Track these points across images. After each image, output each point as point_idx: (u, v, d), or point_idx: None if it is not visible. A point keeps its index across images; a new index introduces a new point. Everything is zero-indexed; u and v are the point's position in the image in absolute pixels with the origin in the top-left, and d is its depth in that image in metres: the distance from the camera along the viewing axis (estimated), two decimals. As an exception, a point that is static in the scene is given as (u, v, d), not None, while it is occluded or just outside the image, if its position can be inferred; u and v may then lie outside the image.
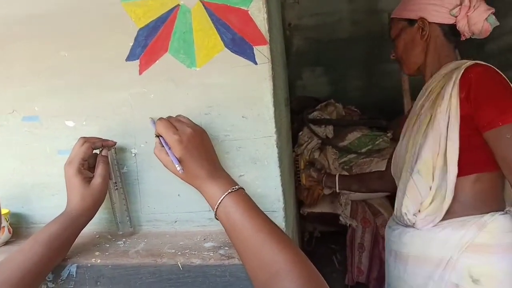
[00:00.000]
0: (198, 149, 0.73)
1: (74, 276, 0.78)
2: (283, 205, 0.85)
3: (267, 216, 0.70)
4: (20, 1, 0.85)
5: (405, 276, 1.20)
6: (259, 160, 0.83)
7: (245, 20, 0.80)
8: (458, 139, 1.08)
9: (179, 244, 0.82)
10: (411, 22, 1.27)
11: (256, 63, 0.80)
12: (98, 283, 0.78)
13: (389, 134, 2.43)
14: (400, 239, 1.22)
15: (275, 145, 0.82)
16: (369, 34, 2.89)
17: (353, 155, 2.44)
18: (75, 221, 0.78)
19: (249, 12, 0.79)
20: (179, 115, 0.80)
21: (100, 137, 0.86)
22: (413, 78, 2.34)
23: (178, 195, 0.87)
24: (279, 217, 0.85)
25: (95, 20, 0.84)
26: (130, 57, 0.84)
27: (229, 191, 0.70)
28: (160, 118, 0.76)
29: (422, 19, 1.24)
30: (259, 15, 0.79)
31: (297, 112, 2.60)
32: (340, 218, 2.34)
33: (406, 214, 1.17)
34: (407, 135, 1.25)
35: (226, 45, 0.81)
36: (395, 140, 2.52)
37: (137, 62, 0.84)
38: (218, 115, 0.83)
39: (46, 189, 0.91)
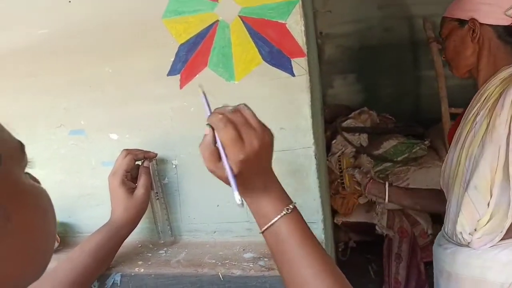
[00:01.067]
0: (259, 165, 0.62)
1: (118, 284, 0.80)
2: (322, 217, 0.85)
3: (319, 245, 0.65)
4: (66, 18, 0.89)
5: None
6: (298, 172, 0.84)
7: (282, 33, 0.81)
8: None
9: (219, 254, 0.83)
10: (462, 22, 1.16)
11: (294, 75, 0.81)
12: (142, 292, 0.80)
13: (426, 142, 2.37)
14: (455, 260, 1.10)
15: (314, 156, 0.83)
16: (401, 40, 2.84)
17: (389, 164, 2.40)
18: (119, 231, 0.81)
19: (286, 25, 0.81)
20: (242, 106, 0.63)
21: (142, 149, 0.88)
22: (451, 84, 2.29)
23: (217, 205, 0.88)
24: (318, 229, 0.85)
25: (137, 35, 0.87)
26: (171, 72, 0.87)
27: (284, 212, 0.62)
28: (215, 114, 0.59)
29: (473, 20, 1.13)
30: (296, 27, 0.80)
31: (329, 121, 2.58)
32: (376, 227, 2.30)
33: (461, 233, 1.06)
34: (459, 145, 1.12)
35: (264, 58, 0.83)
36: (433, 148, 2.47)
37: (178, 76, 0.87)
38: (257, 127, 0.84)
39: (91, 200, 0.95)
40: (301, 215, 0.67)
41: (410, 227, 2.32)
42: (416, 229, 2.31)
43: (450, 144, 1.28)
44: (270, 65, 0.82)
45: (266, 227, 0.63)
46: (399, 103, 2.93)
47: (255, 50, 0.83)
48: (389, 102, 2.98)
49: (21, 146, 0.42)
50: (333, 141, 2.46)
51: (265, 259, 0.79)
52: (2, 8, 0.90)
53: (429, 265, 2.34)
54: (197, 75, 0.86)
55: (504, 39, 1.12)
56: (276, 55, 0.82)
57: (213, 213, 0.89)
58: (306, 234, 0.64)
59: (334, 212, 2.45)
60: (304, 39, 0.81)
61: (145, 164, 0.87)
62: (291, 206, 0.64)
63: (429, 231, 2.34)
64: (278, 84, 0.82)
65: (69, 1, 0.88)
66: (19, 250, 0.41)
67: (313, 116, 0.84)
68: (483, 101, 1.10)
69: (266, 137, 0.62)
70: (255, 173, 0.62)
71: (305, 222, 0.66)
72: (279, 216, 0.62)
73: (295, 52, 0.81)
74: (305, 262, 0.62)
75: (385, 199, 1.50)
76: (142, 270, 0.80)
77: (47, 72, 0.93)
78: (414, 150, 2.36)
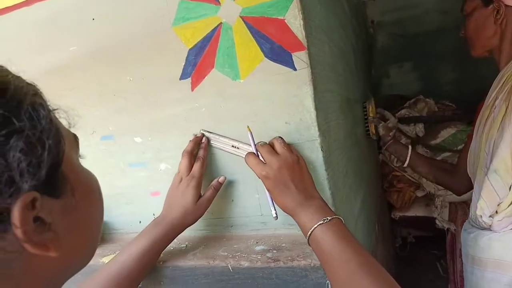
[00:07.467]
0: (285, 183, 0.74)
1: (142, 276, 0.87)
2: (333, 209, 0.84)
3: (361, 246, 0.67)
4: (91, 34, 0.98)
5: (483, 283, 1.09)
6: (304, 165, 0.84)
7: (282, 29, 0.83)
8: None
9: (233, 247, 0.86)
10: (487, 2, 1.18)
11: (295, 69, 0.82)
12: (162, 282, 0.86)
13: (488, 128, 2.20)
14: (477, 243, 1.12)
15: (320, 149, 0.83)
16: (460, 22, 2.66)
17: (447, 153, 2.26)
18: (169, 234, 0.81)
19: (285, 20, 0.82)
20: (277, 139, 0.80)
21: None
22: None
23: (232, 200, 0.91)
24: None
25: (152, 45, 0.93)
26: (183, 76, 0.92)
27: (320, 222, 0.68)
28: (249, 153, 0.79)
29: (499, 0, 1.13)
30: (295, 22, 0.81)
31: (383, 112, 2.50)
32: (437, 221, 2.19)
33: (481, 216, 1.08)
34: (480, 130, 1.14)
35: (266, 55, 0.84)
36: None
37: (189, 80, 0.91)
38: (263, 123, 0.86)
39: (121, 199, 1.03)
40: (343, 224, 0.70)
41: (475, 220, 2.17)
42: (481, 222, 2.16)
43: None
44: (272, 61, 0.84)
45: (307, 235, 0.69)
46: (460, 88, 2.75)
47: (257, 48, 0.85)
48: (450, 88, 2.81)
49: (75, 137, 0.52)
50: (387, 133, 2.38)
51: (274, 251, 0.81)
52: (35, 33, 1.02)
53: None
54: (206, 77, 0.90)
55: None
56: (277, 51, 0.83)
57: (229, 208, 0.93)
58: (343, 235, 0.68)
59: (391, 207, 2.37)
60: (304, 32, 0.81)
61: (200, 153, 0.89)
62: (328, 217, 0.69)
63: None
64: (280, 79, 0.83)
65: (93, 19, 0.97)
66: (81, 223, 0.48)
67: (319, 108, 0.84)
68: (502, 84, 1.09)
69: (289, 159, 0.76)
70: (286, 194, 0.74)
71: (347, 229, 0.69)
72: (316, 225, 0.68)
73: (295, 46, 0.82)
74: (342, 260, 0.64)
75: (406, 162, 1.61)
76: (161, 263, 0.86)
77: (79, 85, 1.02)
78: (475, 138, 2.20)
